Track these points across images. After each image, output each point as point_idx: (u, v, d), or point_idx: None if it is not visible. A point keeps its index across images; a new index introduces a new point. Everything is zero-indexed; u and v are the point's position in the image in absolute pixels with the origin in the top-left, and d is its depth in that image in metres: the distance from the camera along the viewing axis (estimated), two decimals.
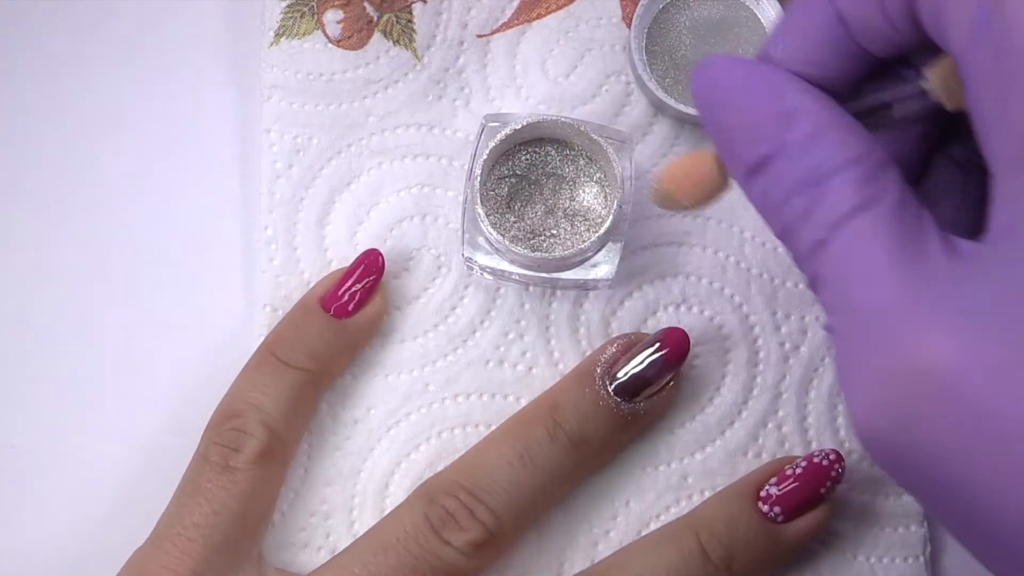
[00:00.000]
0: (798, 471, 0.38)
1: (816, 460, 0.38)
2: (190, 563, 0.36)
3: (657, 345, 0.38)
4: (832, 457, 0.38)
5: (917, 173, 0.32)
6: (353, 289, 0.39)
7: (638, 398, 0.38)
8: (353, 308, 0.39)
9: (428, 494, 0.37)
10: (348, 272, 0.40)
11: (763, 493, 0.38)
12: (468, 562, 0.36)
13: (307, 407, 0.39)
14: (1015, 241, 0.26)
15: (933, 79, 0.30)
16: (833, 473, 0.38)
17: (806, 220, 0.28)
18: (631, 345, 0.39)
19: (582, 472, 0.39)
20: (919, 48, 0.30)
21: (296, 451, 0.40)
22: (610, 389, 0.38)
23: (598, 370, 0.38)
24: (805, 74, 0.30)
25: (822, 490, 0.37)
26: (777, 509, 0.37)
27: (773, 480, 0.38)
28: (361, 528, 0.40)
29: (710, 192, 0.32)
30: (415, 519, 0.36)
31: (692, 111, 0.42)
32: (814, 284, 0.29)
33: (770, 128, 0.29)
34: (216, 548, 0.36)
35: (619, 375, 0.38)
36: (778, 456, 0.41)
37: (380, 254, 0.40)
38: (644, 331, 0.41)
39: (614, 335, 0.41)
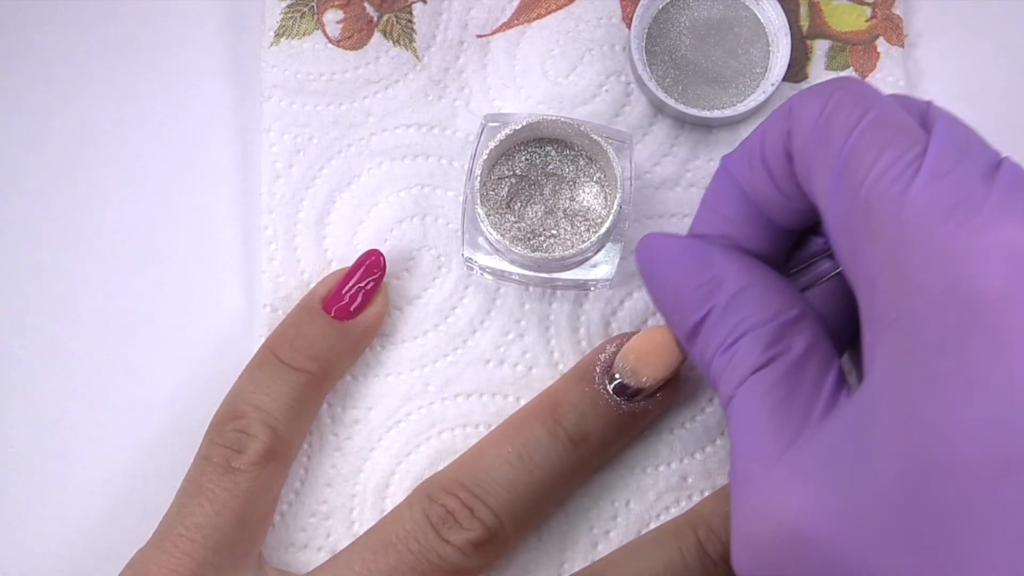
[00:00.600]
0: None
1: None
2: (190, 563, 0.35)
3: (618, 379, 0.38)
4: None
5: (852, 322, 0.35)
6: (355, 290, 0.39)
7: (637, 397, 0.38)
8: (355, 309, 0.39)
9: (428, 492, 0.37)
10: (350, 272, 0.40)
11: None
12: (468, 561, 0.36)
13: (309, 409, 0.39)
14: (861, 395, 0.29)
15: None
16: None
17: (722, 378, 0.33)
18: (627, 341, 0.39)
19: (582, 471, 0.39)
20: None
21: (298, 452, 0.40)
22: (609, 388, 0.38)
23: (597, 369, 0.38)
24: (734, 243, 0.35)
25: None
26: None
27: None
28: (361, 528, 0.40)
29: (670, 364, 0.37)
30: (415, 517, 0.37)
31: (692, 111, 0.42)
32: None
33: (698, 297, 0.33)
34: (217, 548, 0.36)
35: (618, 374, 0.38)
36: None
37: (381, 255, 0.40)
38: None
39: (614, 335, 0.41)
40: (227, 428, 0.37)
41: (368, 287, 0.40)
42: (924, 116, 0.30)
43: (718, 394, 0.33)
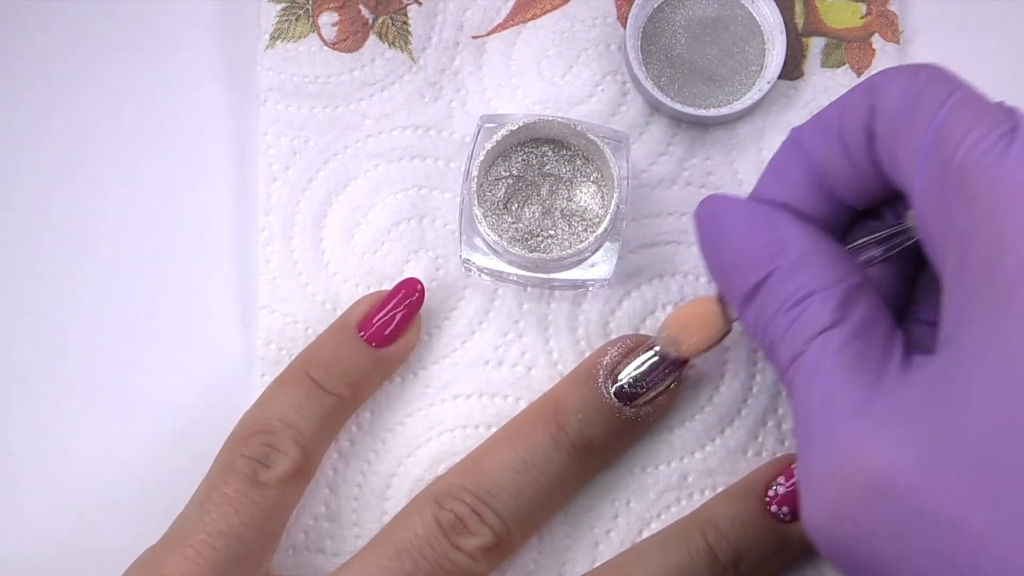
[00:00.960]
0: None
1: None
2: (212, 571, 0.35)
3: (658, 348, 0.38)
4: None
5: (905, 297, 0.36)
6: (389, 315, 0.39)
7: (640, 401, 0.38)
8: (389, 335, 0.39)
9: (436, 498, 0.37)
10: (388, 298, 0.39)
11: (771, 492, 0.38)
12: (477, 566, 0.36)
13: (335, 431, 0.39)
14: (949, 352, 0.29)
15: (911, 219, 0.34)
16: None
17: (786, 336, 0.33)
18: (632, 348, 0.39)
19: (585, 475, 0.39)
20: (894, 198, 0.34)
21: (316, 472, 0.39)
22: (611, 392, 0.38)
23: (600, 373, 0.38)
24: (796, 212, 0.35)
25: None
26: (785, 509, 0.37)
27: (781, 479, 0.38)
28: (362, 531, 0.40)
29: (714, 335, 0.36)
30: (426, 523, 0.36)
31: (688, 110, 0.42)
32: (789, 393, 0.33)
33: (762, 257, 0.33)
34: (237, 559, 0.36)
35: (621, 379, 0.38)
36: (778, 454, 0.41)
37: (421, 285, 0.40)
38: (643, 330, 0.42)
39: (614, 336, 0.41)
40: (256, 441, 0.37)
41: (407, 315, 0.39)
42: (999, 106, 0.31)
43: (775, 356, 0.33)
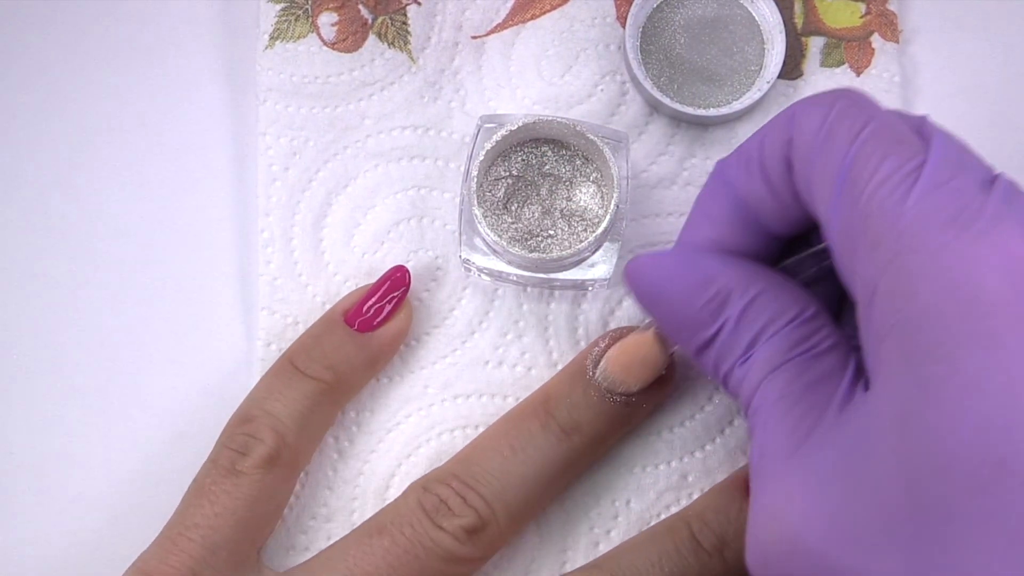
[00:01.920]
0: None
1: None
2: (188, 561, 0.36)
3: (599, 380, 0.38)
4: None
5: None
6: (378, 305, 0.39)
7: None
8: (377, 323, 0.39)
9: (423, 484, 0.38)
10: (374, 287, 0.40)
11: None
12: (462, 548, 0.36)
13: (322, 418, 0.39)
14: (866, 401, 0.29)
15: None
16: None
17: (741, 386, 0.33)
18: (621, 337, 0.39)
19: (577, 462, 0.39)
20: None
21: (308, 461, 0.40)
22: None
23: (589, 361, 0.39)
24: (727, 249, 0.34)
25: None
26: None
27: None
28: None
29: (654, 371, 0.37)
30: (409, 505, 0.37)
31: (688, 109, 0.42)
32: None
33: (706, 317, 0.33)
34: (214, 549, 0.36)
35: (602, 381, 0.38)
36: None
37: (407, 270, 0.40)
38: None
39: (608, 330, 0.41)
40: (237, 432, 0.38)
41: (392, 302, 0.40)
42: (919, 130, 0.31)
43: (739, 403, 0.33)
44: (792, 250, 0.36)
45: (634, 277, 0.35)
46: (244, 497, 0.37)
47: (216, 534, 0.36)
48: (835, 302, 0.36)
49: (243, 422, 0.38)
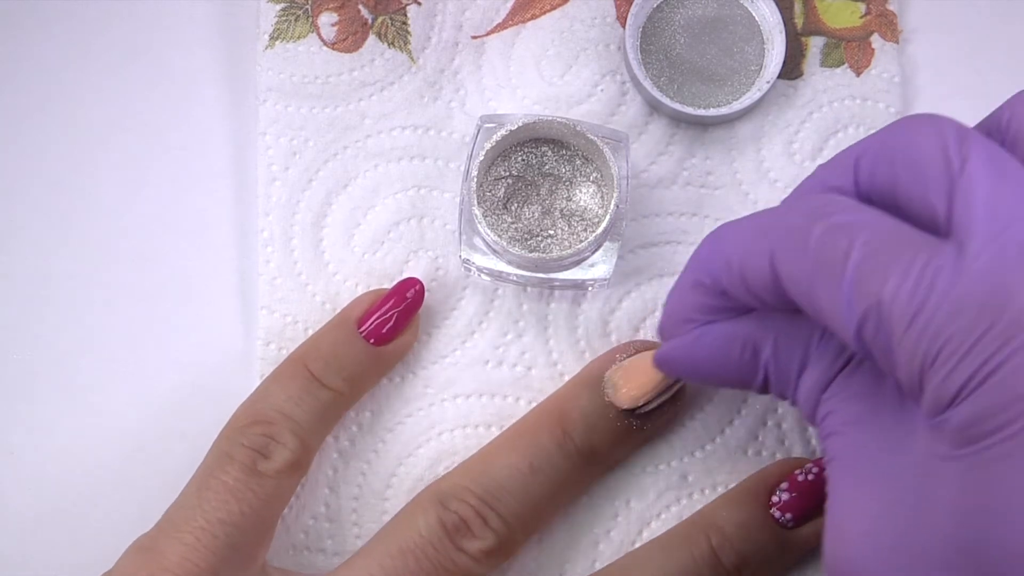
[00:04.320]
0: (810, 478, 0.38)
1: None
2: (212, 559, 0.35)
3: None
4: None
5: None
6: (389, 314, 0.39)
7: (647, 409, 0.38)
8: (387, 333, 0.39)
9: (440, 498, 0.37)
10: (388, 296, 0.40)
11: (775, 498, 0.38)
12: (478, 568, 0.36)
13: (331, 426, 0.39)
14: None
15: None
16: None
17: (802, 409, 0.33)
18: (635, 351, 0.39)
19: (589, 480, 0.39)
20: None
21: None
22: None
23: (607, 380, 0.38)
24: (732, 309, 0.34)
25: None
26: (788, 515, 0.37)
27: (784, 485, 0.38)
28: (362, 531, 0.40)
29: (649, 388, 0.37)
30: (430, 524, 0.36)
31: (688, 109, 0.42)
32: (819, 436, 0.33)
33: (746, 371, 0.34)
34: (236, 548, 0.36)
35: (606, 389, 0.38)
36: (778, 455, 0.41)
37: (420, 283, 0.40)
38: (642, 330, 0.42)
39: (614, 336, 0.41)
40: (254, 431, 0.37)
41: (406, 315, 0.39)
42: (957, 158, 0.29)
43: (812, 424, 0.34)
44: None
45: (668, 367, 0.36)
46: (266, 498, 0.36)
47: (240, 533, 0.36)
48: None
49: (259, 422, 0.37)
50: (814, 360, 0.33)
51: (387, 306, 0.39)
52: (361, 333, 0.39)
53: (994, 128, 0.31)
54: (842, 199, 0.30)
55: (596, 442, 0.38)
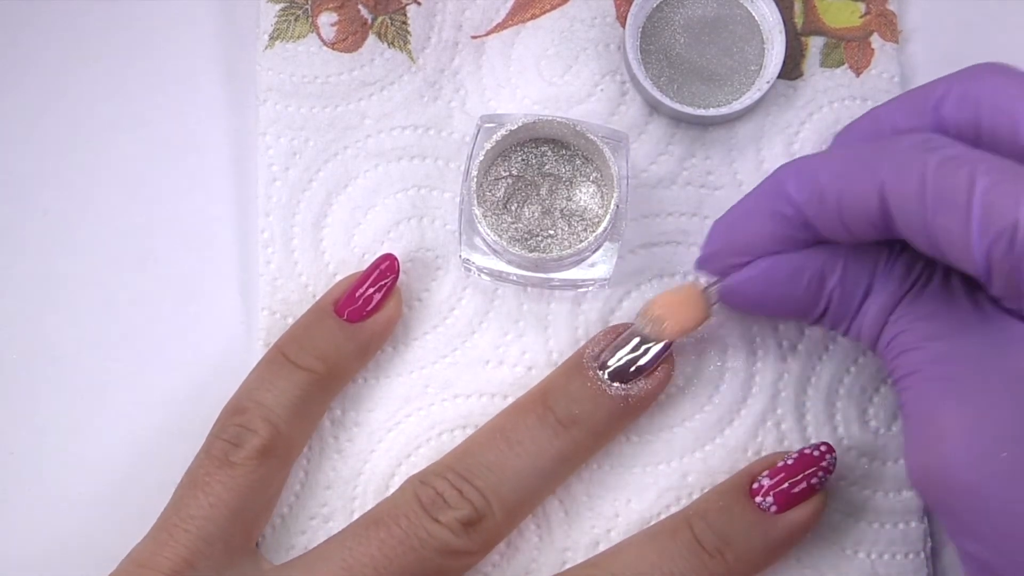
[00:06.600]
0: (789, 462, 0.38)
1: (807, 452, 0.38)
2: (184, 552, 0.36)
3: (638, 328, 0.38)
4: (823, 448, 0.38)
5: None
6: (368, 293, 0.39)
7: (628, 380, 0.38)
8: (368, 312, 0.39)
9: (419, 477, 0.38)
10: (363, 276, 0.40)
11: (755, 485, 0.38)
12: (458, 540, 0.36)
13: (314, 408, 0.39)
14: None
15: None
16: (824, 464, 0.38)
17: (862, 334, 0.36)
18: (617, 333, 0.39)
19: (574, 455, 0.39)
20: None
21: (300, 452, 0.40)
22: (601, 373, 0.38)
23: (587, 353, 0.39)
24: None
25: (814, 481, 0.38)
26: (770, 499, 0.37)
27: (766, 472, 0.38)
28: None
29: (697, 321, 0.37)
30: (406, 498, 0.37)
31: (687, 109, 0.42)
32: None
33: (809, 299, 0.36)
34: (210, 540, 0.36)
35: (609, 362, 0.38)
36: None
37: (395, 258, 0.40)
38: None
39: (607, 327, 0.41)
40: (229, 423, 0.38)
41: (381, 290, 0.40)
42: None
43: (865, 344, 0.36)
44: None
45: (732, 299, 0.37)
46: (238, 488, 0.37)
47: (211, 525, 0.36)
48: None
49: (235, 413, 0.38)
50: (879, 287, 0.35)
51: (365, 284, 0.40)
52: (337, 312, 0.39)
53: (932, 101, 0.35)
54: (940, 136, 0.32)
55: (577, 412, 0.38)
